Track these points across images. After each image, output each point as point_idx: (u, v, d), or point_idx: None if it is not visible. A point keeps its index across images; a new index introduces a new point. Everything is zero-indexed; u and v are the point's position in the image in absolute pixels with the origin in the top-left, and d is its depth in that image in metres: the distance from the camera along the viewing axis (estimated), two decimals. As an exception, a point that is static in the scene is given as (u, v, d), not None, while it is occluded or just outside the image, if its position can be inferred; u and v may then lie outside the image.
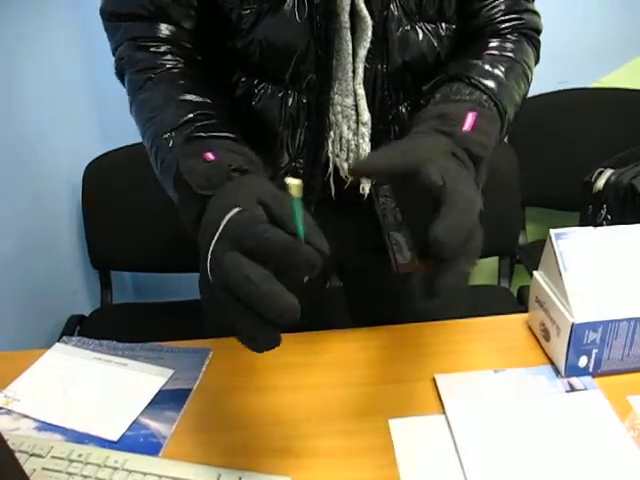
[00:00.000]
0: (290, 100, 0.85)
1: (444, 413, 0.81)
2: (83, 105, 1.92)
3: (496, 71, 0.82)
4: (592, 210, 1.70)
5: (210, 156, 0.70)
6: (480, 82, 0.79)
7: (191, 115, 0.76)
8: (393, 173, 0.65)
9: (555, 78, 1.96)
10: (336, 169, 0.90)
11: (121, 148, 1.77)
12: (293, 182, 0.56)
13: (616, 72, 2.05)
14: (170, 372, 0.90)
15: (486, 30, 0.88)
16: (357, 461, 0.74)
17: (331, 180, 0.91)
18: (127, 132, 1.74)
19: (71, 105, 1.83)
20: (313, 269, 0.58)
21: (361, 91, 0.83)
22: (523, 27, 0.88)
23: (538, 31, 0.91)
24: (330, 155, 0.88)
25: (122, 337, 0.99)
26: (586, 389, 0.83)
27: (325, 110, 0.85)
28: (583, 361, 0.84)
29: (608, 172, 1.70)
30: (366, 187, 0.90)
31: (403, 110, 0.89)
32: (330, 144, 0.87)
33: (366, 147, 0.86)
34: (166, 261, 1.80)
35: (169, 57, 0.83)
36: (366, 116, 0.85)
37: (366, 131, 0.85)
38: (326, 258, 0.59)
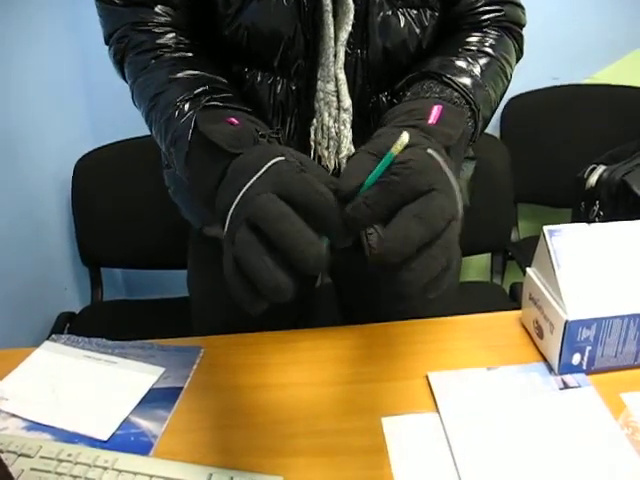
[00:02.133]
0: (279, 87, 0.84)
1: (437, 411, 0.80)
2: (73, 101, 1.90)
3: (472, 68, 0.81)
4: (584, 207, 1.70)
5: (234, 121, 0.69)
6: (452, 80, 0.78)
7: (206, 87, 0.75)
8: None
9: (548, 74, 1.96)
10: (320, 159, 0.88)
11: (111, 144, 1.76)
12: (404, 138, 0.55)
13: (608, 68, 2.05)
14: (161, 370, 0.90)
15: (466, 21, 0.87)
16: (350, 460, 0.74)
17: None
18: (117, 128, 1.74)
19: (61, 101, 1.82)
20: (347, 238, 0.57)
21: (342, 76, 0.82)
22: (504, 19, 0.88)
23: (520, 25, 0.90)
24: (312, 143, 0.86)
25: (112, 334, 0.98)
26: (579, 386, 0.83)
27: (312, 97, 0.84)
28: (577, 358, 0.84)
29: (600, 168, 1.70)
30: None
31: (383, 99, 0.88)
32: (313, 131, 0.86)
33: (347, 134, 0.85)
34: (157, 258, 1.79)
35: (172, 37, 0.82)
36: (347, 102, 0.83)
37: (347, 117, 0.84)
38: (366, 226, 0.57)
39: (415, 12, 0.84)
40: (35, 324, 1.62)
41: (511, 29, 0.89)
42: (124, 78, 0.87)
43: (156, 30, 0.82)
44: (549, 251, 0.85)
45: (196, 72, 0.78)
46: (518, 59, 0.91)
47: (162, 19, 0.83)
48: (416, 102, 0.75)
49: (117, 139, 1.75)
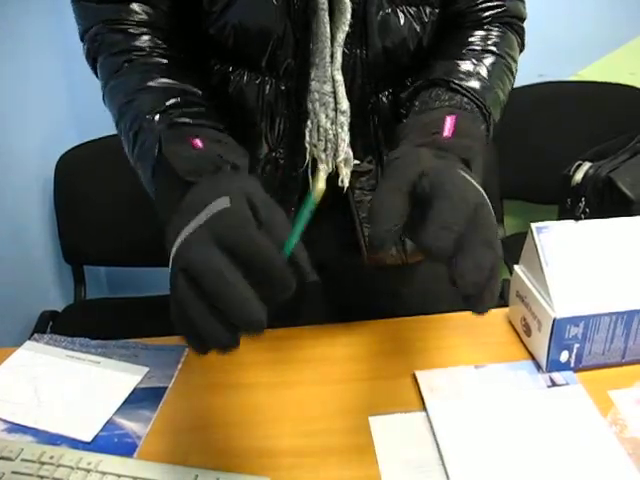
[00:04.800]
0: (267, 87, 0.82)
1: (425, 410, 0.80)
2: (55, 97, 1.88)
3: (479, 70, 0.80)
4: (570, 203, 1.70)
5: (198, 143, 0.67)
6: (461, 86, 0.78)
7: (177, 99, 0.74)
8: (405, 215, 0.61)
9: (534, 71, 1.96)
10: (314, 160, 0.87)
11: (94, 140, 1.74)
12: (319, 187, 0.54)
13: (595, 65, 2.06)
14: (145, 370, 0.88)
15: (467, 19, 0.86)
16: (337, 459, 0.73)
17: (309, 172, 0.87)
18: (100, 124, 1.71)
19: (43, 97, 1.80)
20: (288, 291, 0.52)
21: (339, 77, 0.80)
22: (505, 15, 0.87)
23: (521, 18, 0.89)
24: (307, 145, 0.84)
25: (96, 333, 0.96)
26: (567, 384, 0.83)
27: (304, 97, 0.82)
28: (564, 356, 0.84)
29: (586, 165, 1.70)
30: (345, 180, 0.86)
31: (383, 99, 0.86)
32: (307, 133, 0.83)
33: (345, 137, 0.82)
34: (140, 255, 1.77)
35: (147, 40, 0.80)
36: (345, 104, 0.81)
37: (345, 120, 0.82)
38: (306, 279, 0.55)
39: (414, 9, 0.82)
40: (17, 323, 1.60)
41: (512, 24, 0.88)
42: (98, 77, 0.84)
43: (131, 30, 0.80)
44: (537, 248, 0.85)
45: (169, 81, 0.76)
46: (521, 51, 0.91)
47: (139, 17, 0.80)
48: (429, 115, 0.75)
49: (100, 135, 1.73)
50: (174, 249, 0.56)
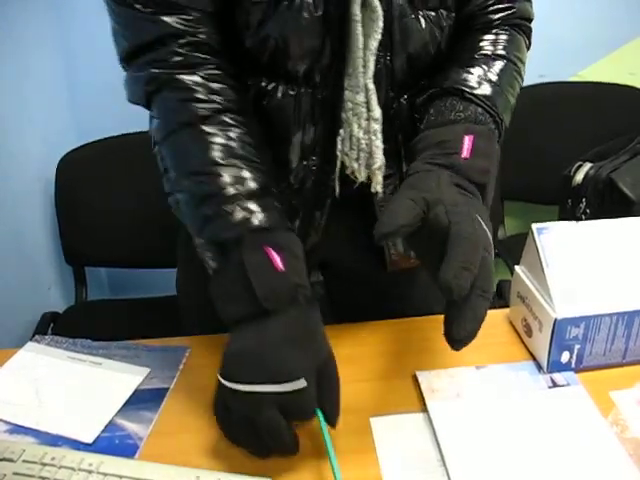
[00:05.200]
0: (304, 98, 0.82)
1: (426, 410, 0.80)
2: (56, 97, 1.88)
3: (490, 77, 0.82)
4: (571, 204, 1.70)
5: (279, 264, 0.71)
6: (475, 95, 0.79)
7: (255, 186, 0.75)
8: (413, 226, 0.68)
9: (534, 72, 1.96)
10: (342, 168, 0.87)
11: (95, 142, 1.74)
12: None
13: (595, 65, 2.06)
14: (146, 371, 0.88)
15: (477, 21, 0.87)
16: (338, 460, 0.72)
17: (336, 179, 0.88)
18: (101, 126, 1.73)
19: (43, 99, 1.80)
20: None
21: (372, 86, 0.80)
22: (515, 17, 0.87)
23: (529, 19, 0.90)
24: (339, 153, 0.85)
25: (97, 334, 0.96)
26: (568, 385, 0.83)
27: (339, 107, 0.82)
28: (565, 357, 0.84)
29: (587, 166, 1.70)
30: (379, 187, 0.86)
31: (403, 102, 0.86)
32: (340, 142, 0.84)
33: (379, 144, 0.82)
34: (142, 257, 1.78)
35: (218, 86, 0.77)
36: (377, 112, 0.81)
37: (378, 127, 0.82)
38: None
39: (434, 14, 0.82)
40: (18, 324, 1.60)
41: (521, 25, 0.89)
42: (142, 103, 0.81)
43: (197, 60, 0.77)
44: (537, 249, 0.85)
45: (247, 162, 0.76)
46: (527, 50, 0.91)
47: (200, 36, 0.77)
48: (447, 131, 0.77)
49: (101, 136, 1.73)
50: (246, 387, 0.68)
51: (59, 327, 1.64)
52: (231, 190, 0.74)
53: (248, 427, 0.68)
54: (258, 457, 0.71)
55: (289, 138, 0.84)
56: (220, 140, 0.76)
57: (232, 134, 0.76)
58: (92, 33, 1.76)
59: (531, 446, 0.74)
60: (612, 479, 0.70)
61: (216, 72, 0.78)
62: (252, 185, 0.75)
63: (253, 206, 0.74)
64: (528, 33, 0.90)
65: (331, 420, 0.72)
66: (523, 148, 1.96)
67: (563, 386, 0.83)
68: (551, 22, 1.91)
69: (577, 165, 1.73)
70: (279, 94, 0.82)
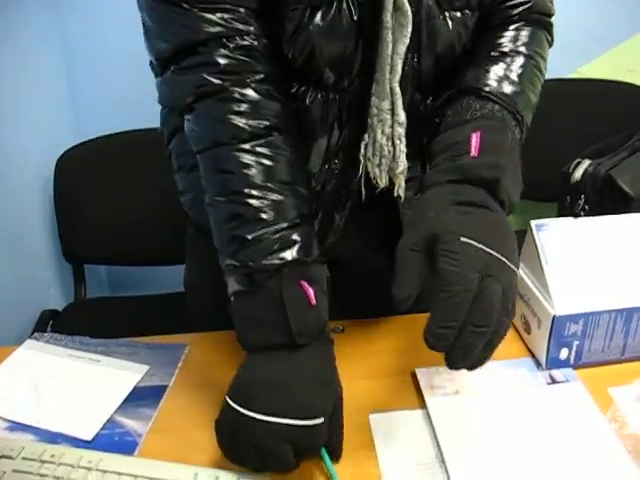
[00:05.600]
0: (332, 103, 0.81)
1: (424, 407, 0.80)
2: (54, 95, 1.88)
3: (509, 74, 0.81)
4: (570, 201, 1.70)
5: (312, 298, 0.71)
6: (492, 93, 0.78)
7: (295, 218, 0.74)
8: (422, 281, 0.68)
9: (532, 69, 1.96)
10: (367, 173, 0.86)
11: (93, 140, 1.74)
12: None
13: (593, 63, 2.05)
14: (145, 368, 0.88)
15: (496, 17, 0.86)
16: (337, 457, 0.73)
17: (362, 183, 0.87)
18: (100, 123, 1.73)
19: (42, 95, 1.79)
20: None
21: (398, 90, 0.79)
22: (534, 11, 0.86)
23: (549, 14, 0.89)
24: (362, 158, 0.84)
25: (96, 332, 0.96)
26: (567, 381, 0.83)
27: (365, 112, 0.81)
28: (564, 353, 0.84)
29: (586, 163, 1.70)
30: (401, 191, 0.86)
31: (429, 104, 0.86)
32: (363, 147, 0.83)
33: (403, 148, 0.82)
34: (141, 254, 1.77)
35: (269, 103, 0.75)
36: (402, 116, 0.80)
37: (402, 131, 0.81)
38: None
39: (459, 15, 0.81)
40: (17, 322, 1.60)
41: (541, 20, 0.87)
42: (181, 107, 0.78)
43: (249, 63, 0.75)
44: (536, 246, 0.85)
45: (290, 187, 0.74)
46: (549, 47, 0.90)
47: (249, 38, 0.75)
48: (456, 133, 0.76)
49: (100, 134, 1.73)
50: (265, 417, 0.67)
51: (58, 325, 1.64)
52: (272, 216, 0.72)
53: (254, 452, 0.67)
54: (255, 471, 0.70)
55: (313, 142, 0.83)
56: (266, 162, 0.74)
57: (279, 156, 0.74)
58: (92, 31, 1.77)
59: (530, 442, 0.74)
60: (611, 475, 0.70)
61: (267, 86, 0.75)
62: (294, 213, 0.73)
63: (295, 236, 0.73)
64: (549, 29, 0.89)
65: (336, 456, 0.73)
66: (521, 145, 1.96)
67: (562, 382, 0.83)
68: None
69: (576, 162, 1.73)
70: (308, 99, 0.80)
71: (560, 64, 2.01)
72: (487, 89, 0.79)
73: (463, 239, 0.65)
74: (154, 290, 1.75)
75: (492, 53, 0.83)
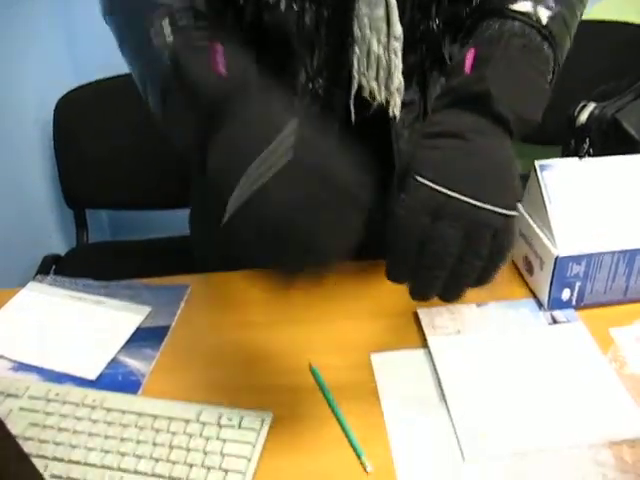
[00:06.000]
0: (307, 15, 0.75)
1: (426, 347, 0.80)
2: (52, 39, 1.85)
3: None
4: (574, 144, 1.68)
5: (220, 67, 0.61)
6: (513, 10, 0.70)
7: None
8: None
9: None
10: (358, 89, 0.80)
11: (93, 83, 1.71)
12: None
13: (599, 4, 2.01)
14: (148, 309, 0.89)
15: None
16: (339, 395, 0.74)
17: (351, 102, 0.80)
18: (99, 67, 1.70)
19: (39, 39, 1.76)
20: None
21: (393, 0, 0.72)
22: None
23: None
24: (356, 74, 0.77)
25: (99, 276, 0.97)
26: (569, 322, 0.83)
27: (348, 24, 0.75)
28: (566, 294, 0.84)
29: (591, 106, 1.67)
30: (396, 110, 0.80)
31: (434, 26, 0.79)
32: (356, 61, 0.77)
33: (398, 63, 0.76)
34: (143, 198, 1.76)
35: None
36: (398, 29, 0.74)
37: (398, 46, 0.75)
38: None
39: None
40: (20, 267, 1.60)
41: None
42: None
43: None
44: (540, 186, 0.84)
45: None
46: None
47: None
48: (460, 53, 0.69)
49: (98, 78, 1.70)
50: (257, 179, 0.55)
51: (61, 269, 1.64)
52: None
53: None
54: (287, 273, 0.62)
55: (293, 57, 0.78)
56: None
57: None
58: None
59: (530, 381, 0.74)
60: (611, 413, 0.70)
61: None
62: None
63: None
64: None
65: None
66: (556, 70, 1.93)
67: (563, 323, 0.83)
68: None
69: (581, 105, 1.70)
70: (281, 9, 0.75)
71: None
72: (509, 6, 0.71)
73: (419, 179, 0.58)
74: (156, 234, 1.75)
75: None
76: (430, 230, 0.57)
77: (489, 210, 0.57)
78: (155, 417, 0.71)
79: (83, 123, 1.72)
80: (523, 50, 0.68)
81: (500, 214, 0.57)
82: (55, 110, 1.70)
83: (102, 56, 1.74)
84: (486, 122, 0.62)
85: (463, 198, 0.57)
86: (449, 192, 0.57)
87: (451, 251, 0.57)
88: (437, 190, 0.58)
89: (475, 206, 0.57)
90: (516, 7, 0.71)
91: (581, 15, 0.79)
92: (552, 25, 0.71)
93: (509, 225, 0.58)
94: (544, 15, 0.71)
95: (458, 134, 0.61)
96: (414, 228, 0.57)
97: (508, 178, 0.61)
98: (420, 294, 0.61)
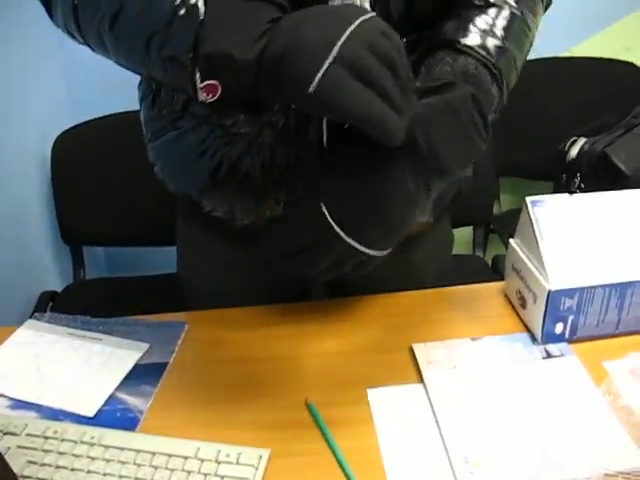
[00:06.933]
0: None
1: (422, 382, 0.81)
2: (51, 77, 1.87)
3: (493, 28, 0.75)
4: (566, 179, 1.71)
5: None
6: (467, 46, 0.73)
7: None
8: None
9: (528, 47, 1.96)
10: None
11: (91, 120, 1.74)
12: None
13: (587, 42, 2.05)
14: (145, 346, 0.89)
15: None
16: (337, 431, 0.74)
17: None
18: (97, 104, 1.72)
19: (39, 76, 1.79)
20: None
21: (368, 5, 0.73)
22: None
23: None
24: None
25: (95, 313, 0.97)
26: (562, 355, 0.84)
27: None
28: (559, 328, 0.85)
29: (581, 141, 1.70)
30: None
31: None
32: None
33: None
34: (139, 235, 1.78)
35: None
36: None
37: None
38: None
39: None
40: (17, 303, 1.60)
41: None
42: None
43: None
44: (531, 221, 0.86)
45: None
46: (547, 7, 0.85)
47: None
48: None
49: (96, 115, 1.73)
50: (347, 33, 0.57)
51: (58, 306, 1.65)
52: None
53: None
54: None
55: None
56: None
57: None
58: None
59: (526, 415, 0.75)
60: (605, 446, 0.71)
61: None
62: None
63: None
64: None
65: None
66: (517, 124, 1.95)
67: (557, 357, 0.84)
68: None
69: (572, 140, 1.73)
70: None
71: (557, 42, 2.02)
72: (465, 42, 0.74)
73: (322, 206, 0.64)
74: (153, 271, 1.76)
75: (477, 2, 0.77)
76: None
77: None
78: (153, 454, 0.71)
79: (81, 160, 1.73)
80: (467, 103, 0.69)
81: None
82: (53, 147, 1.72)
83: (100, 94, 1.78)
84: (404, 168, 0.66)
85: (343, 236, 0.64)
86: (338, 230, 0.64)
87: None
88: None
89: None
90: (468, 42, 0.74)
91: (530, 45, 0.82)
92: (500, 60, 0.74)
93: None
94: (492, 46, 0.74)
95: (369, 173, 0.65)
96: None
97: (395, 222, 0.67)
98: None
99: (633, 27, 2.05)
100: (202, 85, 0.61)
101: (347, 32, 0.57)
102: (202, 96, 0.62)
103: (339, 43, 0.57)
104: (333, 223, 0.64)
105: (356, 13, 0.59)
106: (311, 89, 0.57)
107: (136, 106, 0.95)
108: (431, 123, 0.66)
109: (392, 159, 0.65)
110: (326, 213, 0.64)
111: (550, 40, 1.98)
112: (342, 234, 0.64)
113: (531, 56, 2.11)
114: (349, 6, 0.66)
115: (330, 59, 0.56)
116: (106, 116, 1.72)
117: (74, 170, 1.73)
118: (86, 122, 1.74)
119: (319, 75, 0.56)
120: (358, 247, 0.64)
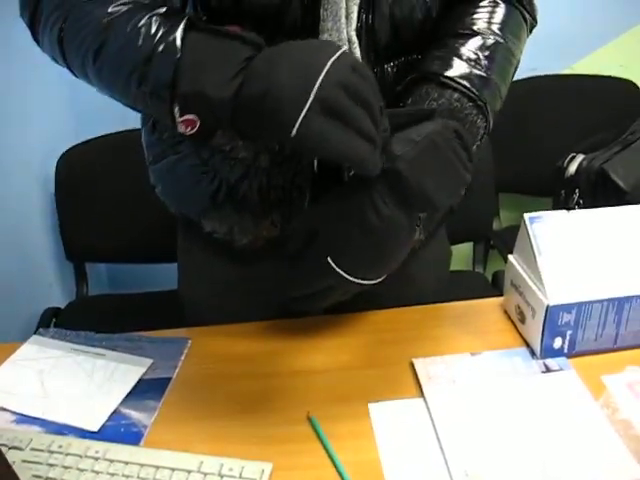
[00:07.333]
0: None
1: (422, 396, 0.82)
2: (55, 95, 1.89)
3: (477, 59, 0.77)
4: (564, 195, 1.72)
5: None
6: (453, 80, 0.76)
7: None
8: None
9: (527, 65, 1.96)
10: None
11: (95, 139, 1.75)
12: None
13: (587, 59, 2.07)
14: (149, 362, 0.90)
15: None
16: (338, 445, 0.75)
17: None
18: (101, 122, 1.74)
19: (42, 95, 1.81)
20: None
21: (355, 39, 0.76)
22: None
23: None
24: None
25: (99, 329, 0.98)
26: (561, 370, 0.85)
27: None
28: (558, 342, 0.86)
29: (580, 157, 1.72)
30: None
31: (388, 70, 0.82)
32: None
33: None
34: (142, 252, 1.79)
35: None
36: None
37: None
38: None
39: None
40: (21, 320, 1.61)
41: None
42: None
43: None
44: (530, 238, 0.87)
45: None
46: (532, 28, 0.88)
47: None
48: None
49: (100, 134, 1.74)
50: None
51: (61, 322, 1.65)
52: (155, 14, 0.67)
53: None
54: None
55: None
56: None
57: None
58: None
59: (525, 429, 0.76)
60: (604, 459, 0.72)
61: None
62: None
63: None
64: (528, 7, 0.87)
65: None
66: (517, 141, 1.97)
67: (556, 371, 0.85)
68: (543, 15, 1.92)
69: (570, 157, 1.75)
70: None
71: (554, 60, 2.03)
72: (449, 74, 0.76)
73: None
74: (155, 287, 1.77)
75: (461, 31, 0.80)
76: None
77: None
78: (157, 468, 0.71)
79: (84, 178, 1.75)
80: (450, 140, 0.70)
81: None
82: (57, 164, 1.74)
83: (105, 112, 1.79)
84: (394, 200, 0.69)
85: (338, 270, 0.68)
86: (335, 266, 0.68)
87: None
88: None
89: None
90: (452, 74, 0.76)
91: (515, 69, 0.85)
92: (485, 92, 0.77)
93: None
94: (476, 77, 0.77)
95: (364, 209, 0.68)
96: None
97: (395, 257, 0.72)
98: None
99: (628, 45, 2.07)
100: (181, 119, 0.65)
101: (321, 76, 0.60)
102: (181, 129, 0.66)
103: (315, 88, 0.60)
104: (341, 271, 0.68)
105: (327, 52, 0.62)
106: (293, 132, 0.60)
107: (137, 125, 0.96)
108: (417, 162, 0.67)
109: (384, 198, 0.68)
110: (332, 264, 0.68)
111: (549, 58, 2.01)
112: (350, 278, 0.69)
113: (530, 73, 2.14)
114: (321, 43, 0.69)
115: (307, 105, 0.60)
116: (110, 134, 1.74)
117: (78, 187, 1.75)
118: (90, 140, 1.76)
119: (299, 120, 0.60)
120: (364, 283, 0.70)
